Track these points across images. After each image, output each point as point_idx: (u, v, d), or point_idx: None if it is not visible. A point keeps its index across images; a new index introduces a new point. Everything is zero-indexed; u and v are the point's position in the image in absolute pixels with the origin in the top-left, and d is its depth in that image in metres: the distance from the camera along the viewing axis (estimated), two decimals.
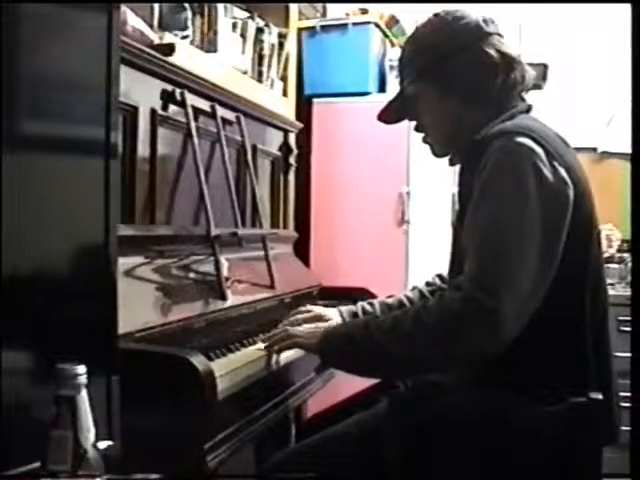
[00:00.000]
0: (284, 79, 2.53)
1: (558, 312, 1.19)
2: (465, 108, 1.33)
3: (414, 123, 1.45)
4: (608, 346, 1.27)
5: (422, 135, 1.43)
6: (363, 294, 2.13)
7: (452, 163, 1.43)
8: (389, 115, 1.49)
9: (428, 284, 1.66)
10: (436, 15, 1.37)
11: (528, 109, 1.34)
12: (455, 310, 1.12)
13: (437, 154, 1.43)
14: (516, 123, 1.25)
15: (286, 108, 2.47)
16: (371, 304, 1.61)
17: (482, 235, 1.17)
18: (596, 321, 1.25)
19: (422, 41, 1.38)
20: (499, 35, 1.33)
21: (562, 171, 1.18)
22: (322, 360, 1.33)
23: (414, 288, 1.67)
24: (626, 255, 3.10)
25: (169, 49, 1.63)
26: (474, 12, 1.35)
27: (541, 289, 1.15)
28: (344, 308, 1.60)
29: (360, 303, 1.61)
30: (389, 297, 1.65)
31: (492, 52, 1.29)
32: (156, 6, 1.77)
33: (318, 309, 1.61)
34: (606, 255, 3.13)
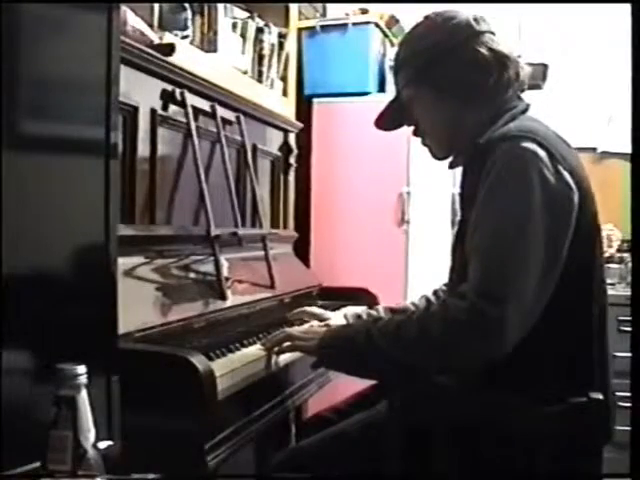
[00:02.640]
0: (284, 79, 2.53)
1: (561, 314, 1.19)
2: (461, 109, 1.32)
3: (412, 136, 1.44)
4: (606, 346, 1.27)
5: (421, 139, 1.42)
6: (363, 294, 2.13)
7: (452, 166, 1.42)
8: (386, 122, 1.48)
9: (436, 293, 1.64)
10: (426, 17, 1.37)
11: (526, 109, 1.34)
12: (459, 320, 1.12)
13: (437, 157, 1.42)
14: (519, 126, 1.25)
15: (286, 108, 2.47)
16: (376, 310, 1.61)
17: (487, 242, 1.17)
18: (598, 321, 1.24)
19: (414, 44, 1.37)
20: (491, 33, 1.32)
21: (566, 175, 1.18)
22: (322, 364, 1.33)
23: (422, 297, 1.65)
24: (626, 255, 3.10)
25: (169, 49, 1.63)
26: (467, 11, 1.34)
27: (544, 296, 1.15)
28: (349, 312, 1.60)
29: (363, 308, 1.61)
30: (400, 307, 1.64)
31: (483, 50, 1.28)
32: (156, 6, 1.77)
33: (317, 310, 1.61)
34: (606, 255, 3.13)
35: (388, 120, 1.48)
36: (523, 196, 1.15)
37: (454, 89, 1.31)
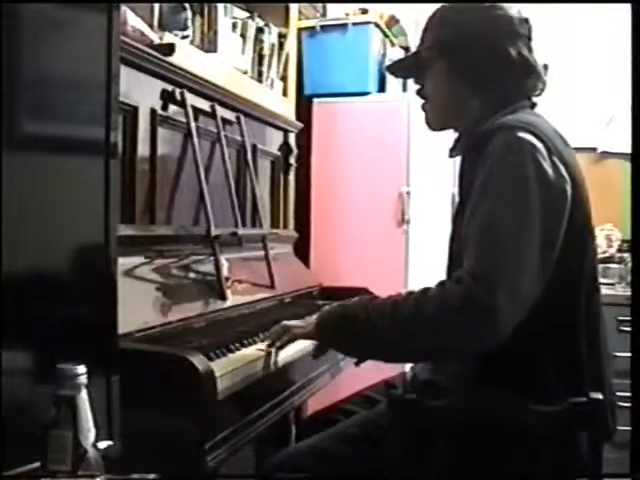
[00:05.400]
0: (284, 79, 2.53)
1: (554, 311, 1.19)
2: (470, 93, 1.33)
3: (415, 102, 1.46)
4: (602, 345, 1.27)
5: (422, 102, 1.43)
6: (363, 294, 2.13)
7: (452, 155, 1.43)
8: (398, 69, 1.54)
9: None
10: (450, 2, 1.38)
11: (532, 107, 1.35)
12: (454, 305, 1.13)
13: (431, 126, 1.43)
14: (518, 118, 1.26)
15: (286, 108, 2.47)
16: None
17: (482, 229, 1.17)
18: (590, 320, 1.25)
19: (453, 14, 1.37)
20: (528, 38, 1.33)
21: (561, 167, 1.19)
22: (320, 342, 1.33)
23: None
24: (626, 255, 3.10)
25: (169, 49, 1.63)
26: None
27: (539, 284, 1.15)
28: None
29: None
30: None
31: (513, 53, 1.29)
32: (156, 6, 1.77)
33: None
34: (606, 255, 3.13)
35: (400, 68, 1.53)
36: (519, 183, 1.16)
37: (470, 74, 1.32)
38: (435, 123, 1.42)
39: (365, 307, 1.24)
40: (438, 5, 1.40)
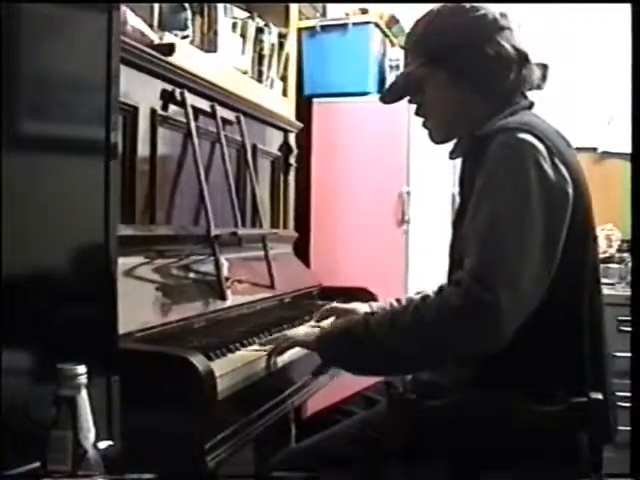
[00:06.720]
0: (284, 79, 2.53)
1: (556, 312, 1.19)
2: (472, 98, 1.33)
3: (414, 115, 1.44)
4: (604, 346, 1.27)
5: (422, 120, 1.41)
6: (363, 294, 2.13)
7: (452, 157, 1.42)
8: (393, 94, 1.46)
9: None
10: (449, 2, 1.37)
11: (530, 106, 1.35)
12: (455, 306, 1.12)
13: (435, 140, 1.41)
14: (518, 119, 1.26)
15: (286, 108, 2.47)
16: (399, 300, 1.61)
17: (483, 231, 1.17)
18: (593, 321, 1.25)
19: (437, 25, 1.36)
20: (511, 30, 1.32)
21: (562, 168, 1.19)
22: (321, 357, 1.33)
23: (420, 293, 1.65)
24: (626, 255, 3.10)
25: (169, 49, 1.63)
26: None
27: (541, 285, 1.15)
28: (375, 304, 1.61)
29: (389, 300, 1.60)
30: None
31: (508, 46, 1.29)
32: (156, 6, 1.77)
33: (351, 305, 1.62)
34: (606, 255, 3.13)
35: (395, 91, 1.46)
36: (519, 184, 1.16)
37: (471, 78, 1.31)
38: (439, 136, 1.40)
39: (365, 321, 1.23)
40: (438, 5, 1.40)
